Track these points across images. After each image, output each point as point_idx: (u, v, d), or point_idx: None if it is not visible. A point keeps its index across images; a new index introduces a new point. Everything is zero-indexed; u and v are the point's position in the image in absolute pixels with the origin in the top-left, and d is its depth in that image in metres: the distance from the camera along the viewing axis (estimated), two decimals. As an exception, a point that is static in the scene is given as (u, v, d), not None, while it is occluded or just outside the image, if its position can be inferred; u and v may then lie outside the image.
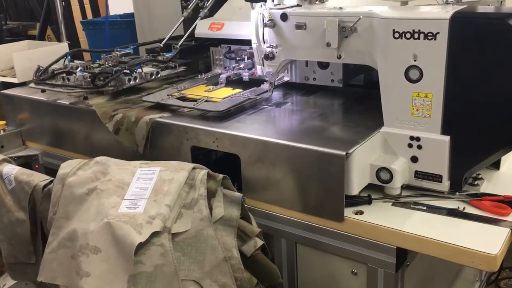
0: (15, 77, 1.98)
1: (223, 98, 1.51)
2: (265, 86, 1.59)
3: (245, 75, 1.68)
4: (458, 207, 1.19)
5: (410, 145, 1.23)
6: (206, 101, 1.49)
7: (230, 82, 1.67)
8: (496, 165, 1.36)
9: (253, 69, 1.68)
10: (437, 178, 1.22)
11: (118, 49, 1.87)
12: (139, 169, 1.23)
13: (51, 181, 1.37)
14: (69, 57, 1.82)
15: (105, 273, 1.07)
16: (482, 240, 1.06)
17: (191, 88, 1.64)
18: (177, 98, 1.54)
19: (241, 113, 1.47)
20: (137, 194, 1.16)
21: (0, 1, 3.77)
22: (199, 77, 1.74)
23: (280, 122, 1.45)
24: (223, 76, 1.66)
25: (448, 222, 1.14)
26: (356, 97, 1.61)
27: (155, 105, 1.54)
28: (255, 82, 1.65)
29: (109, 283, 1.06)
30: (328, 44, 1.30)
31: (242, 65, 1.72)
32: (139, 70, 1.71)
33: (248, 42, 1.56)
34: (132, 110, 1.52)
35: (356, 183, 1.20)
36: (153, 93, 1.66)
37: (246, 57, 1.73)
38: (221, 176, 1.19)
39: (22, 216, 1.44)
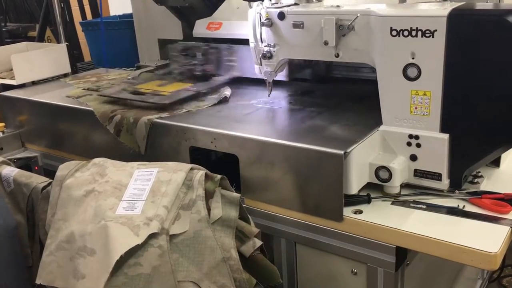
0: (13, 79, 1.98)
1: (170, 92, 1.62)
2: (217, 79, 1.73)
3: (197, 70, 1.81)
4: (458, 205, 1.18)
5: (409, 144, 1.23)
6: (154, 94, 1.61)
7: (195, 78, 1.79)
8: (496, 163, 1.36)
9: (205, 65, 1.82)
10: (437, 176, 1.21)
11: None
12: (136, 170, 1.23)
13: (50, 183, 1.36)
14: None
15: (100, 275, 1.07)
16: (482, 238, 1.05)
17: (145, 83, 1.77)
18: (130, 93, 1.65)
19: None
20: (134, 195, 1.16)
21: (-1, 3, 3.78)
22: (155, 72, 1.88)
23: (279, 121, 1.45)
24: (175, 72, 1.80)
25: (448, 220, 1.14)
26: (354, 95, 1.60)
27: (152, 105, 1.55)
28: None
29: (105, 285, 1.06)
30: (326, 43, 1.30)
31: (195, 61, 1.82)
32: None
33: (246, 41, 1.56)
34: (130, 111, 1.52)
35: (355, 182, 1.20)
36: (110, 88, 1.77)
37: (200, 54, 1.82)
38: (219, 176, 1.18)
39: (20, 218, 1.44)
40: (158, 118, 1.44)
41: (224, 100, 1.59)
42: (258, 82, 1.66)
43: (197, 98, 1.61)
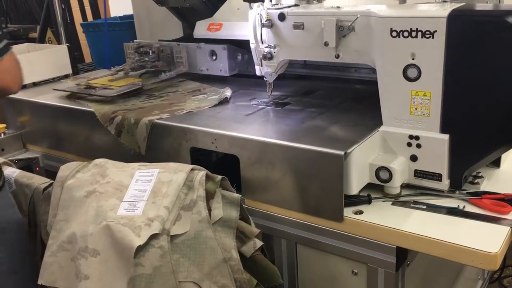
0: (15, 80, 1.98)
1: (119, 86, 1.74)
2: (165, 75, 1.83)
3: (147, 67, 1.90)
4: (458, 205, 1.18)
5: (409, 144, 1.23)
6: (104, 88, 1.73)
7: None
8: (496, 163, 1.36)
9: (156, 62, 1.91)
10: (437, 176, 1.22)
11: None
12: (137, 171, 1.23)
13: (51, 184, 1.37)
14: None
15: (104, 276, 1.07)
16: (482, 238, 1.05)
17: (99, 79, 1.88)
18: (84, 87, 1.77)
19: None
20: (135, 196, 1.16)
21: (0, 4, 3.78)
22: (111, 69, 1.97)
23: (279, 122, 1.45)
24: (126, 68, 1.89)
25: (448, 221, 1.14)
26: (354, 96, 1.61)
27: (152, 106, 1.57)
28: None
29: (108, 286, 1.06)
30: (326, 44, 1.30)
31: (146, 58, 1.91)
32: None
33: (246, 42, 1.56)
34: (131, 112, 1.53)
35: (356, 183, 1.20)
36: (63, 83, 1.90)
37: (151, 51, 1.92)
38: (219, 177, 1.19)
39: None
40: (159, 119, 1.45)
41: (224, 101, 1.59)
42: (216, 79, 1.83)
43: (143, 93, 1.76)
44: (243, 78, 1.84)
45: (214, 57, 1.82)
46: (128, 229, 1.08)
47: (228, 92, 1.63)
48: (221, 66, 1.82)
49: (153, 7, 2.05)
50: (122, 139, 1.50)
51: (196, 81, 1.89)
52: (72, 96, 1.78)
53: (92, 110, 1.59)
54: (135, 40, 2.01)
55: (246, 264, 1.15)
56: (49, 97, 1.80)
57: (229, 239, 1.14)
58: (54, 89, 1.82)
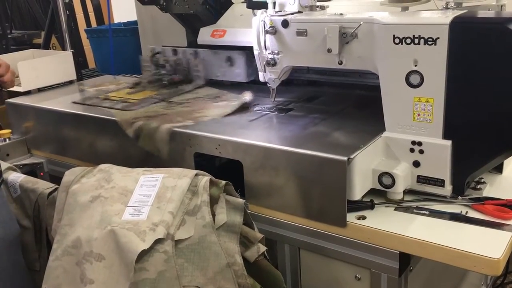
0: (20, 86, 2.00)
1: (138, 100, 1.73)
2: (183, 87, 1.83)
3: (164, 80, 1.93)
4: (461, 211, 1.19)
5: (412, 150, 1.24)
6: (122, 102, 1.71)
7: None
8: (499, 169, 1.36)
9: (173, 76, 1.93)
10: (440, 182, 1.22)
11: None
12: (142, 176, 1.24)
13: (56, 189, 1.38)
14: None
15: (108, 280, 1.08)
16: (485, 244, 1.06)
17: (117, 91, 1.88)
18: (103, 99, 1.77)
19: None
20: (140, 201, 1.17)
21: (5, 10, 3.81)
22: (131, 81, 1.98)
23: (282, 128, 1.46)
24: (144, 81, 1.91)
25: (451, 226, 1.14)
26: (357, 102, 1.62)
27: (174, 113, 1.56)
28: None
29: (113, 290, 1.07)
30: (329, 50, 1.31)
31: (164, 71, 1.95)
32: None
33: (250, 49, 1.57)
34: (153, 119, 1.51)
35: (359, 188, 1.20)
36: (84, 97, 1.86)
37: (167, 64, 1.95)
38: (223, 182, 1.20)
39: (27, 223, 1.45)
40: (182, 126, 1.43)
41: (245, 106, 1.58)
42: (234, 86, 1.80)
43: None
44: (257, 85, 1.78)
45: (230, 63, 1.80)
46: (133, 234, 1.08)
47: (247, 97, 1.63)
48: (238, 72, 1.80)
49: (157, 13, 2.06)
50: (140, 142, 1.48)
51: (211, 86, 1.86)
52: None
53: (95, 115, 1.60)
54: (150, 46, 1.99)
55: (249, 269, 1.16)
56: (53, 103, 1.82)
57: (233, 244, 1.14)
58: (74, 102, 1.79)
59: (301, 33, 1.36)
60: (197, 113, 1.55)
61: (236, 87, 1.80)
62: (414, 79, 1.19)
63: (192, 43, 1.95)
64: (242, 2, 1.78)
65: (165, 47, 1.84)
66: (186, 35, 2.05)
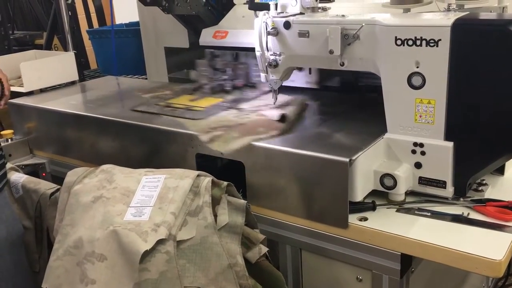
0: (22, 86, 2.01)
1: (205, 107, 1.60)
2: (250, 93, 1.73)
3: (227, 86, 1.82)
4: (463, 213, 1.19)
5: (413, 151, 1.24)
6: (188, 109, 1.59)
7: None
8: (501, 171, 1.36)
9: (235, 80, 1.81)
10: (441, 184, 1.22)
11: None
12: (144, 176, 1.24)
13: (58, 189, 1.38)
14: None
15: (110, 281, 1.08)
16: (487, 246, 1.06)
17: (177, 98, 1.74)
18: (164, 107, 1.64)
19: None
20: (142, 201, 1.17)
21: (7, 11, 3.81)
22: (187, 87, 1.86)
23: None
24: (206, 87, 1.79)
25: (453, 228, 1.14)
26: (359, 103, 1.62)
27: (253, 122, 1.46)
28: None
29: (115, 290, 1.07)
30: (331, 52, 1.31)
31: (225, 77, 1.84)
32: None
33: (252, 50, 1.57)
34: (232, 129, 1.40)
35: (360, 190, 1.21)
36: (141, 104, 1.72)
37: (227, 69, 1.84)
38: (225, 183, 1.20)
39: (29, 224, 1.45)
40: (267, 137, 1.32)
41: (306, 107, 1.55)
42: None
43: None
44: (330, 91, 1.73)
45: (298, 69, 1.66)
46: (135, 235, 1.09)
47: (302, 99, 1.59)
48: (308, 77, 1.68)
49: (159, 15, 2.07)
50: (212, 145, 1.36)
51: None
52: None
53: (97, 116, 1.61)
54: (208, 50, 1.82)
55: (251, 270, 1.16)
56: (56, 103, 1.82)
57: (234, 245, 1.14)
58: (133, 110, 1.64)
59: (303, 34, 1.36)
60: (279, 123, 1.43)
61: (304, 92, 1.70)
62: (416, 81, 1.19)
63: (194, 44, 1.95)
64: (244, 4, 1.79)
65: (224, 49, 1.68)
66: (188, 36, 2.06)
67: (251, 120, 1.48)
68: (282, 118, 1.44)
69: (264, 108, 1.58)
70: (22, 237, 1.41)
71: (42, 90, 2.09)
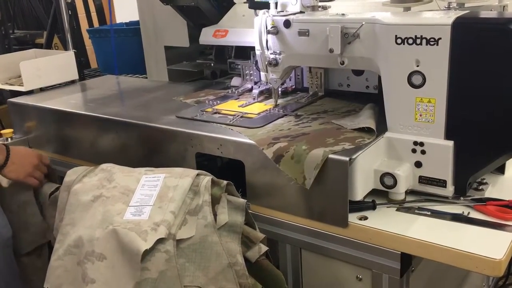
0: (22, 85, 2.01)
1: (258, 114, 1.50)
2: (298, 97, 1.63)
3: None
4: (463, 212, 1.19)
5: (414, 150, 1.23)
6: (241, 117, 1.48)
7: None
8: (501, 170, 1.36)
9: (285, 84, 1.70)
10: (441, 183, 1.22)
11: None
12: (144, 176, 1.24)
13: (58, 188, 1.38)
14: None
15: (110, 280, 1.08)
16: (487, 245, 1.06)
17: (224, 104, 1.62)
18: (212, 114, 1.52)
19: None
20: (142, 201, 1.17)
21: (7, 10, 3.82)
22: (229, 92, 1.74)
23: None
24: (255, 92, 1.67)
25: (453, 227, 1.14)
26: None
27: (318, 132, 1.33)
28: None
29: (115, 290, 1.07)
30: (331, 50, 1.31)
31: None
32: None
33: (252, 49, 1.57)
34: (297, 140, 1.27)
35: (360, 189, 1.20)
36: (185, 110, 1.59)
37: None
38: (225, 182, 1.20)
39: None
40: (342, 150, 1.19)
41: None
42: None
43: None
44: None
45: (356, 72, 1.56)
46: (134, 234, 1.08)
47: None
48: (369, 82, 1.55)
49: (159, 14, 2.07)
50: (281, 166, 1.24)
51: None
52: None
53: (97, 115, 1.61)
54: (256, 52, 1.53)
55: (251, 269, 1.16)
56: (55, 103, 1.82)
57: (234, 244, 1.14)
58: (178, 117, 1.52)
59: (303, 33, 1.36)
60: (349, 133, 1.29)
61: (359, 97, 1.58)
62: (416, 80, 1.19)
63: (194, 42, 1.94)
64: (244, 2, 1.78)
65: (273, 54, 1.45)
66: (188, 35, 2.05)
67: (314, 129, 1.35)
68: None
69: (324, 115, 1.46)
70: (12, 240, 1.41)
71: (42, 89, 2.08)
